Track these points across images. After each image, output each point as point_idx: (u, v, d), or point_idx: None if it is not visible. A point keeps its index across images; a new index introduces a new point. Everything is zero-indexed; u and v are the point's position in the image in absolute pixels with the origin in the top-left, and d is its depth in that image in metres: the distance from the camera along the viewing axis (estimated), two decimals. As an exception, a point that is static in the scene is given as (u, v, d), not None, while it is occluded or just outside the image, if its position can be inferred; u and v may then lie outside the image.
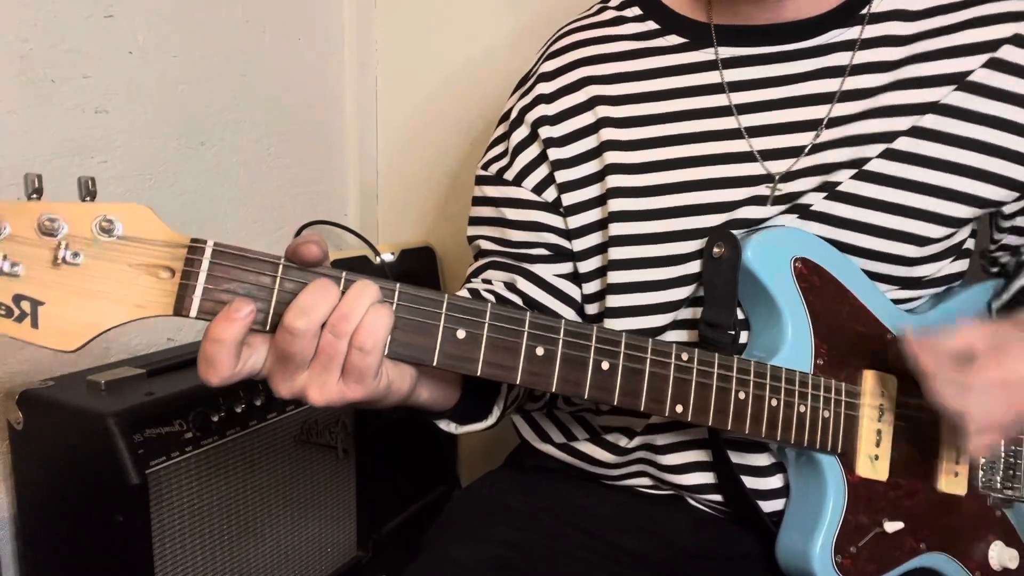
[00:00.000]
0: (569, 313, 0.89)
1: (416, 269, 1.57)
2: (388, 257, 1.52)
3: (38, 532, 1.13)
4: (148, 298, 0.57)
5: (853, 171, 0.80)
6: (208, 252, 0.57)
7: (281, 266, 0.59)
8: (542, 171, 0.88)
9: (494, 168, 0.92)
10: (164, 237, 0.57)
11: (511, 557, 0.81)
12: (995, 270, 0.93)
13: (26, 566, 1.15)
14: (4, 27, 1.06)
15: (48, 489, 1.10)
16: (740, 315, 0.81)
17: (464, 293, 0.89)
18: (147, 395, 1.06)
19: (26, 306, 0.54)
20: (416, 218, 1.68)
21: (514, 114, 0.91)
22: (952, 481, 0.83)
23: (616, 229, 0.84)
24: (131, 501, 1.01)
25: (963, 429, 0.71)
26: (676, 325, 0.84)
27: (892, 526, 0.79)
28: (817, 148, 0.81)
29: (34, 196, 0.54)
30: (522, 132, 0.89)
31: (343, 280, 0.60)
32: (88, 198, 0.56)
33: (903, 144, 0.80)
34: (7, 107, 1.08)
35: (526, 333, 0.65)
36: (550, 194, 0.88)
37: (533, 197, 0.88)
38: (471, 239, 0.96)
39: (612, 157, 0.84)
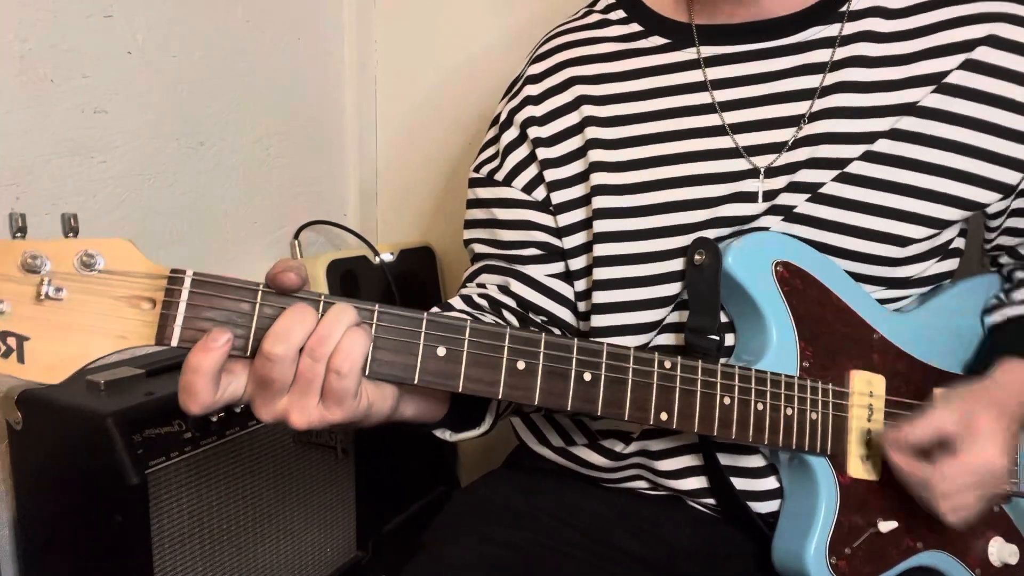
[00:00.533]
0: (565, 313, 0.89)
1: (415, 269, 1.58)
2: (387, 257, 1.52)
3: (38, 532, 1.13)
4: (130, 329, 0.57)
5: (835, 172, 0.80)
6: (187, 282, 0.58)
7: (260, 292, 0.60)
8: (532, 170, 0.89)
9: (485, 170, 0.93)
10: (144, 269, 0.58)
11: (509, 557, 0.81)
12: (994, 269, 0.94)
13: (26, 566, 1.15)
14: (4, 27, 1.06)
15: (48, 489, 1.10)
16: (725, 320, 0.81)
17: (458, 299, 0.90)
18: (146, 395, 1.07)
19: (12, 342, 0.55)
20: (415, 218, 1.68)
21: (503, 116, 0.92)
22: (948, 478, 0.83)
23: (600, 226, 0.84)
24: (130, 501, 1.01)
25: (936, 513, 0.74)
26: (664, 329, 0.84)
27: (887, 526, 0.79)
28: (799, 143, 0.81)
29: (18, 235, 0.56)
30: (512, 133, 0.90)
31: (321, 304, 0.60)
32: (71, 234, 0.57)
33: (883, 146, 0.80)
34: (7, 107, 1.08)
35: (506, 347, 0.65)
36: (540, 193, 0.88)
37: (523, 196, 0.89)
38: (466, 243, 0.97)
39: (596, 155, 0.85)
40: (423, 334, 0.63)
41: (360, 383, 0.61)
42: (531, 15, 1.45)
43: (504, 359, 0.65)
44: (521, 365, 0.66)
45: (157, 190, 1.28)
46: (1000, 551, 0.84)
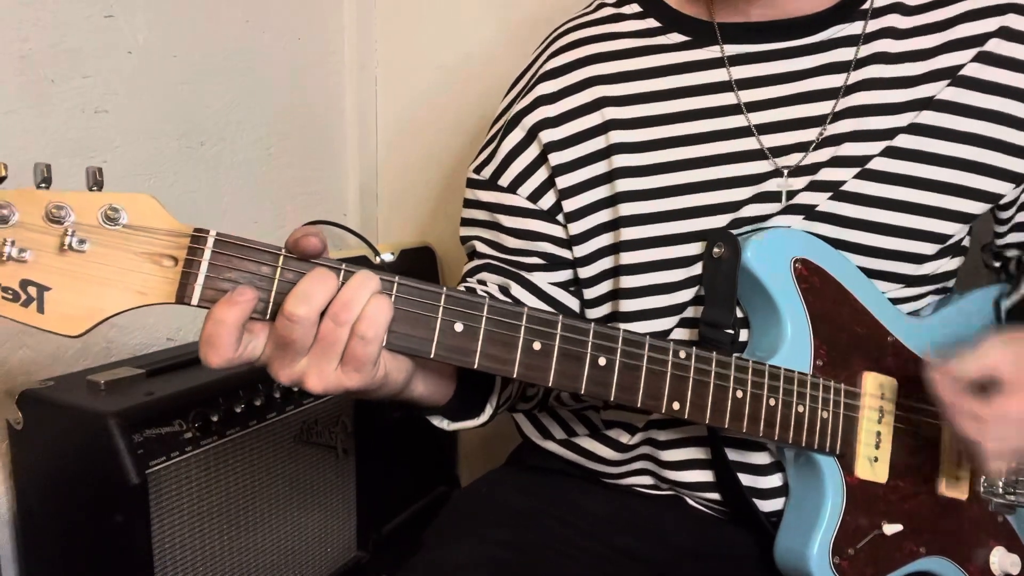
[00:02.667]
0: None
1: (416, 269, 1.57)
2: (388, 257, 1.52)
3: (38, 532, 1.12)
4: (151, 285, 0.58)
5: (856, 169, 0.80)
6: (211, 242, 0.59)
7: (282, 256, 0.60)
8: (539, 176, 0.87)
9: (487, 172, 0.90)
10: (168, 226, 0.58)
11: (509, 557, 0.81)
12: (998, 264, 0.93)
13: (26, 566, 1.15)
14: (4, 27, 1.06)
15: (48, 489, 1.10)
16: (740, 315, 0.80)
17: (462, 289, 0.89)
18: (147, 395, 1.06)
19: (32, 291, 0.55)
20: (416, 218, 1.68)
21: (509, 116, 0.89)
22: (953, 485, 0.83)
23: (628, 233, 0.83)
24: (131, 501, 1.01)
25: (978, 456, 0.72)
26: (681, 324, 0.84)
27: (891, 528, 0.79)
28: (824, 143, 0.81)
29: (43, 185, 0.56)
30: (517, 135, 0.87)
31: (342, 271, 0.61)
32: (95, 187, 0.57)
33: (903, 141, 0.80)
34: (7, 107, 1.08)
35: (523, 327, 0.66)
36: (547, 201, 0.87)
37: (528, 205, 0.87)
38: (464, 239, 0.95)
39: (621, 160, 0.83)
40: (441, 308, 0.63)
41: (381, 350, 0.61)
42: (532, 14, 1.45)
43: (521, 338, 0.66)
44: (537, 346, 0.66)
45: (157, 190, 1.27)
46: (1001, 560, 0.84)
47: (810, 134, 0.81)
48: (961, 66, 0.80)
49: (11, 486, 1.13)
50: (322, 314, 0.60)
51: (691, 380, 0.71)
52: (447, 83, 1.59)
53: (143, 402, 1.05)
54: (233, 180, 1.41)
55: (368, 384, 0.63)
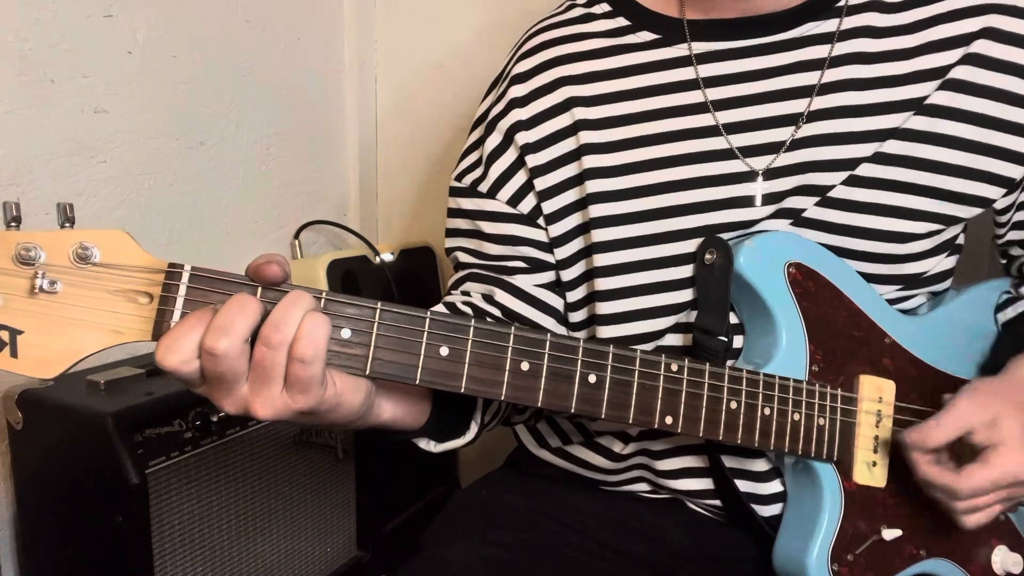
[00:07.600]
0: (549, 323, 0.88)
1: (416, 269, 1.57)
2: (388, 257, 1.52)
3: (38, 532, 1.13)
4: (127, 324, 0.57)
5: (845, 174, 0.79)
6: (185, 277, 0.57)
7: (260, 289, 0.59)
8: (518, 179, 0.86)
9: (468, 179, 0.89)
10: (141, 262, 0.57)
11: (508, 558, 0.81)
12: (1004, 261, 0.93)
13: (26, 566, 1.15)
14: (4, 27, 1.06)
15: (48, 489, 1.10)
16: (735, 320, 0.80)
17: (441, 307, 0.87)
18: (146, 395, 1.06)
19: (5, 335, 0.55)
20: (416, 218, 1.68)
21: (486, 121, 0.88)
22: (955, 484, 0.82)
23: (599, 235, 0.82)
24: (131, 501, 1.01)
25: (955, 518, 0.74)
26: (673, 330, 0.83)
27: (891, 533, 0.78)
28: (798, 144, 0.79)
29: (12, 224, 0.55)
30: (495, 140, 0.87)
31: (323, 300, 0.59)
32: (67, 224, 0.56)
33: (893, 147, 0.79)
34: (7, 107, 1.08)
35: (510, 348, 0.64)
36: (527, 204, 0.85)
37: (508, 210, 0.86)
38: (449, 251, 0.94)
39: (590, 161, 0.82)
40: (426, 333, 0.62)
41: (325, 370, 0.59)
42: (534, 14, 1.45)
43: (508, 359, 0.64)
44: (525, 366, 0.65)
45: (157, 190, 1.28)
46: (1004, 560, 0.83)
47: (782, 134, 0.80)
48: (949, 67, 0.78)
49: (11, 486, 1.14)
50: (256, 339, 0.57)
51: (684, 393, 0.70)
52: (447, 83, 1.59)
53: (143, 402, 1.05)
54: (233, 180, 1.41)
55: (320, 405, 0.59)
